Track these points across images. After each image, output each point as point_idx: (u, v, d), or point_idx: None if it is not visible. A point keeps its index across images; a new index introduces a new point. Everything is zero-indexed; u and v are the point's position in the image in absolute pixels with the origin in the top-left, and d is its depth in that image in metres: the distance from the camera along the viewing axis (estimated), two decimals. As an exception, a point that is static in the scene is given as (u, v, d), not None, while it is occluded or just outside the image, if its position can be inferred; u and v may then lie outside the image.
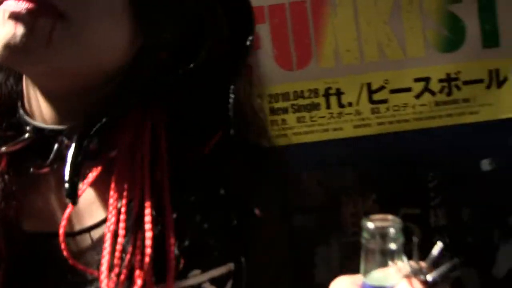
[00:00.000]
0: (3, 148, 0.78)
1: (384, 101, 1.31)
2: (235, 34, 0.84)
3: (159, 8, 0.76)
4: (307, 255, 1.27)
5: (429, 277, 0.61)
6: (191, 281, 0.77)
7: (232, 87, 0.82)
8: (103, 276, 0.70)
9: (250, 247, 0.82)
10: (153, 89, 0.79)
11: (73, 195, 0.72)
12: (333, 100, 1.32)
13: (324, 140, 1.31)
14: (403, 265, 0.62)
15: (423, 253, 0.96)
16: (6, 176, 0.78)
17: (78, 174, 0.73)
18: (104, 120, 0.76)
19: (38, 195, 0.80)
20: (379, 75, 1.30)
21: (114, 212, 0.74)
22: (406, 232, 0.65)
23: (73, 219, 0.77)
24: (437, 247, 0.63)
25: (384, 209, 1.27)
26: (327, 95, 1.32)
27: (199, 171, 0.78)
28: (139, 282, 0.69)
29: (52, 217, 0.78)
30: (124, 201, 0.74)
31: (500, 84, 1.29)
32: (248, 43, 0.83)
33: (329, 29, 1.31)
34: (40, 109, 0.78)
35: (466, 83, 1.29)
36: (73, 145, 0.72)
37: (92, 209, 0.78)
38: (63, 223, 0.73)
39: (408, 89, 1.31)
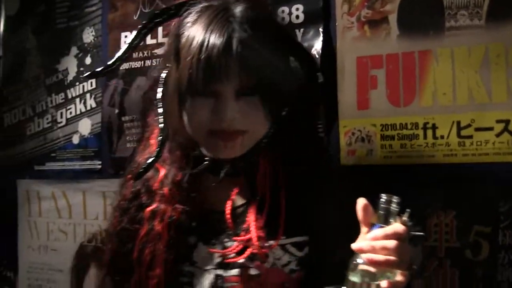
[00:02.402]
0: (194, 170, 1.37)
1: (470, 137, 1.51)
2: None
3: (278, 100, 1.29)
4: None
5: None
6: (281, 241, 1.29)
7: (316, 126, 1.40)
8: (251, 226, 1.28)
9: (317, 230, 1.30)
10: (272, 138, 1.33)
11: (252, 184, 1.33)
12: (429, 132, 1.56)
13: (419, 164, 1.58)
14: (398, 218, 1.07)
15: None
16: (190, 187, 1.37)
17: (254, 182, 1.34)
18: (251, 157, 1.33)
19: (210, 192, 1.38)
20: (468, 115, 1.51)
21: (254, 200, 1.32)
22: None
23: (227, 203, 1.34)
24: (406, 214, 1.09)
25: (460, 224, 1.51)
26: (424, 128, 1.56)
27: (303, 181, 1.34)
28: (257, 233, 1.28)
29: (217, 202, 1.36)
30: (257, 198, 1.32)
31: None
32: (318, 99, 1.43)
33: (430, 75, 1.56)
34: None
35: (544, 125, 1.45)
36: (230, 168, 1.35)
37: (236, 199, 1.36)
38: (228, 205, 1.32)
39: (490, 128, 1.50)
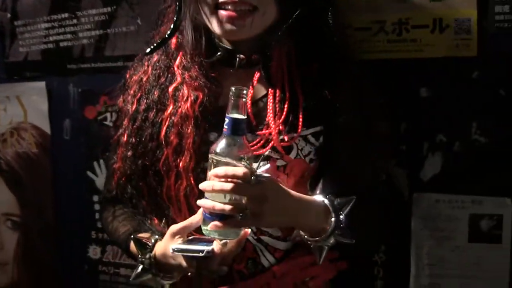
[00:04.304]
0: (209, 60, 1.40)
1: (350, 36, 1.62)
2: None
3: None
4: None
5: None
6: (302, 133, 1.35)
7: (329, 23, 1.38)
8: (271, 120, 1.33)
9: (335, 118, 1.36)
10: (284, 30, 1.33)
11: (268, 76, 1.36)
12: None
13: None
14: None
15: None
16: (208, 75, 1.39)
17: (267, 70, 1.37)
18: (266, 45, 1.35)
19: (226, 85, 1.37)
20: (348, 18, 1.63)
21: (272, 92, 1.36)
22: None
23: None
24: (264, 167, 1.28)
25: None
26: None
27: (316, 74, 1.38)
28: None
29: None
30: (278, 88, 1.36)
31: (442, 30, 1.55)
32: None
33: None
34: (222, 40, 1.40)
35: (414, 27, 1.58)
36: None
37: (255, 92, 1.39)
38: (248, 98, 1.29)
39: (368, 29, 1.62)
